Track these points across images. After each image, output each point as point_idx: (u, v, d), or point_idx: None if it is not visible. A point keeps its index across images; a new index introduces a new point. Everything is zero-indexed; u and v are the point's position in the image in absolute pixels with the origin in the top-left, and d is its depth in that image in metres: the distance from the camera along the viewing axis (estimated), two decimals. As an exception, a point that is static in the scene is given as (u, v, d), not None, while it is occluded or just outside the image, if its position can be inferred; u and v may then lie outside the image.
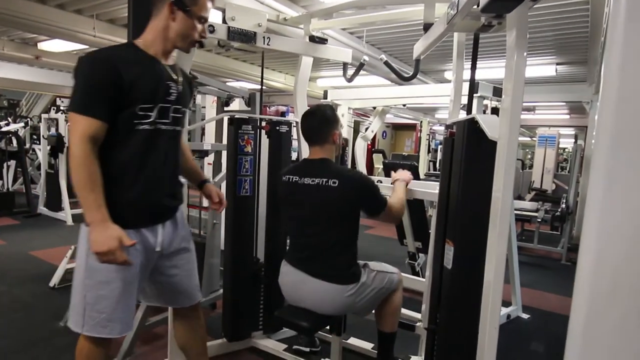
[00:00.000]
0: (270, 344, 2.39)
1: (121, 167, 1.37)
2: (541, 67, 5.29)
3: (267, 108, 9.38)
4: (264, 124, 2.35)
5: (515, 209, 4.70)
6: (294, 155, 2.88)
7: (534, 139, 11.14)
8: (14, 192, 6.40)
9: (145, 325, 2.39)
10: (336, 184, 1.71)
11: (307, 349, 2.32)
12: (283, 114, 7.94)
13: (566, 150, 14.92)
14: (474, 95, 2.04)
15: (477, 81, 2.46)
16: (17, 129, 7.44)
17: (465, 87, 1.85)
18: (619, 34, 0.63)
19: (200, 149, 2.95)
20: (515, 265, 3.16)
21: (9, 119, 8.67)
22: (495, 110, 2.83)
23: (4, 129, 6.98)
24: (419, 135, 9.66)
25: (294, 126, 2.47)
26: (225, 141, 2.47)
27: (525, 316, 3.18)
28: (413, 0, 2.26)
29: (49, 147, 5.88)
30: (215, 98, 3.73)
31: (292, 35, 2.62)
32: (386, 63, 2.26)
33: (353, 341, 2.44)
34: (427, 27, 1.83)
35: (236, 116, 2.27)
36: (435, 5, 1.90)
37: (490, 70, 5.28)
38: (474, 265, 1.40)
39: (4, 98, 9.91)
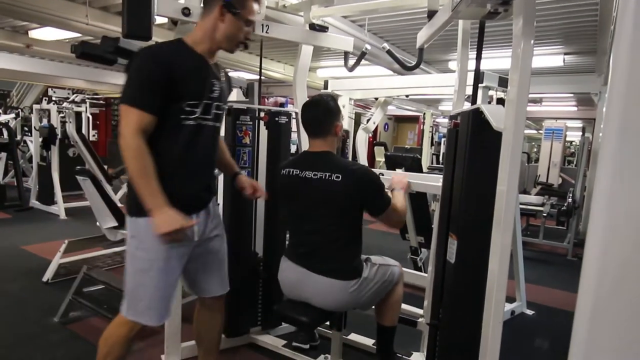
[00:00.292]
0: (269, 340, 2.41)
1: (164, 160, 1.45)
2: (548, 57, 5.27)
3: (266, 99, 9.36)
4: (262, 114, 2.35)
5: (521, 203, 4.71)
6: (292, 149, 2.88)
7: (540, 131, 11.13)
8: (5, 185, 6.40)
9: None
10: (339, 179, 1.70)
11: (307, 346, 2.34)
12: (282, 106, 7.93)
13: (573, 143, 14.92)
14: (479, 85, 2.03)
15: (483, 71, 2.46)
16: (8, 120, 7.43)
17: (470, 77, 1.85)
18: (629, 23, 0.63)
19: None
20: (520, 260, 3.17)
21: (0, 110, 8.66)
22: (500, 101, 2.83)
23: (-5, 120, 6.97)
24: (421, 127, 9.66)
25: (293, 118, 2.47)
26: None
27: (529, 312, 3.21)
28: (417, -14, 2.25)
29: (40, 139, 5.88)
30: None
31: (292, 23, 2.61)
32: (389, 52, 2.25)
33: (354, 337, 2.46)
34: (431, 14, 1.83)
35: (234, 106, 2.27)
36: (439, -8, 1.89)
37: (496, 60, 5.25)
38: (478, 260, 1.41)
39: (-6, 88, 9.89)
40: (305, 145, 2.44)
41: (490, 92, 2.83)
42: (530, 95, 1.31)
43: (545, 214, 4.94)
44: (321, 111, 1.78)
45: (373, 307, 1.98)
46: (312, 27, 2.44)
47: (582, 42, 4.78)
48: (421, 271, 3.43)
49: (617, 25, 0.67)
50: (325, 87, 3.63)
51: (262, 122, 2.35)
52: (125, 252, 1.57)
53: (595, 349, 0.68)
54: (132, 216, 1.50)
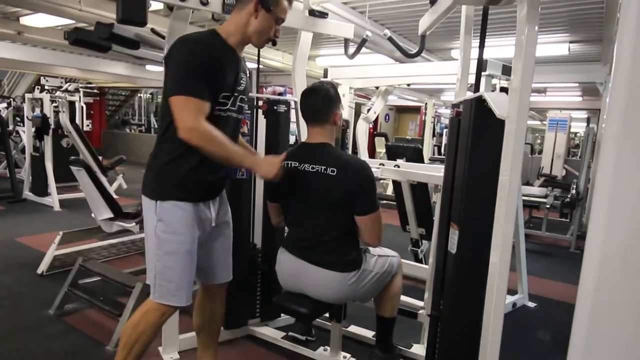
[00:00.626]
0: (267, 332, 2.43)
1: (193, 149, 1.50)
2: (553, 46, 5.25)
3: (264, 89, 9.32)
4: (261, 103, 2.34)
5: (524, 195, 4.72)
6: (291, 139, 2.87)
7: (544, 122, 11.12)
8: (-2, 176, 6.41)
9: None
10: (334, 173, 1.70)
11: (303, 337, 2.36)
12: (281, 95, 7.90)
13: (578, 134, 14.92)
14: (482, 73, 2.03)
15: (486, 59, 2.45)
16: None
17: (473, 65, 1.85)
18: (633, 10, 0.63)
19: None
20: (522, 252, 3.19)
21: (-9, 100, 8.62)
22: (504, 90, 2.82)
23: (-15, 109, 6.95)
24: (423, 118, 9.65)
25: (292, 108, 2.47)
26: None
27: (531, 305, 3.23)
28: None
29: (33, 129, 5.87)
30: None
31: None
32: (390, 39, 2.25)
33: (353, 329, 2.48)
34: (433, 0, 1.82)
35: (232, 95, 2.26)
36: (442, -23, 1.88)
37: (500, 48, 5.24)
38: (480, 250, 1.42)
39: (-15, 77, 9.84)
40: (304, 136, 2.44)
41: (494, 81, 2.83)
42: (535, 85, 1.31)
43: (548, 206, 4.96)
44: (321, 98, 1.78)
45: (372, 299, 2.00)
46: (312, 13, 2.43)
47: (587, 30, 4.76)
48: (422, 263, 3.45)
49: (621, 13, 0.67)
50: (325, 75, 3.62)
51: (260, 111, 2.35)
52: (146, 236, 1.63)
53: (596, 341, 0.69)
54: (158, 200, 1.56)
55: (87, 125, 9.34)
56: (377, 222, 1.75)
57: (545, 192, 5.20)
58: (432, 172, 2.17)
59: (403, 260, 2.08)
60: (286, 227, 1.98)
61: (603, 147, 0.67)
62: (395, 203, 3.65)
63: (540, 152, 9.13)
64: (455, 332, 1.62)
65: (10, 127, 7.70)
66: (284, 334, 2.41)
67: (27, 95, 6.26)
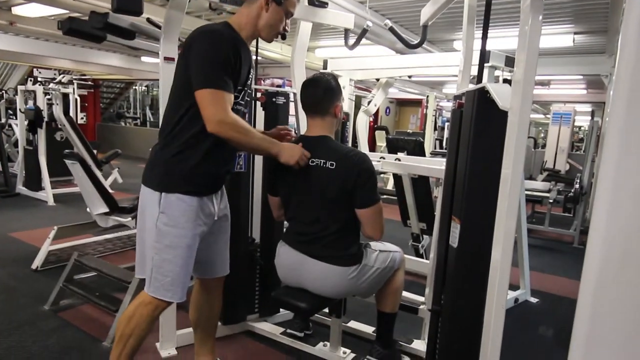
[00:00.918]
0: (266, 327, 2.45)
1: (207, 142, 1.56)
2: (558, 37, 5.24)
3: (262, 81, 9.30)
4: (259, 95, 2.34)
5: (526, 190, 4.74)
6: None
7: (547, 116, 11.12)
8: (-10, 170, 6.39)
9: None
10: (334, 167, 1.71)
11: (301, 334, 2.38)
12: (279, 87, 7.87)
13: (582, 128, 14.93)
14: (485, 65, 2.03)
15: (489, 50, 2.45)
16: (-9, 103, 7.39)
17: (476, 57, 1.85)
18: (639, 0, 0.64)
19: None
20: (524, 247, 3.21)
21: (-18, 92, 8.59)
22: (507, 82, 2.82)
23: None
24: (424, 111, 9.63)
25: (291, 100, 2.46)
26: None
27: (533, 300, 3.25)
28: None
29: (26, 122, 5.85)
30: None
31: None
32: (391, 29, 2.25)
33: (353, 324, 2.50)
34: (435, -11, 1.82)
35: (229, 87, 2.26)
36: (444, -34, 1.88)
37: (503, 40, 5.23)
38: (481, 244, 1.43)
39: (-24, 69, 9.80)
40: (303, 129, 2.44)
41: (497, 73, 2.82)
42: (538, 77, 1.32)
43: (551, 200, 4.97)
44: (322, 89, 1.78)
45: (373, 295, 2.01)
46: (311, 2, 2.42)
47: (593, 21, 4.75)
48: (423, 258, 3.46)
49: (627, 2, 0.67)
50: (325, 67, 3.61)
51: (259, 103, 2.35)
52: (142, 228, 1.64)
53: (598, 336, 0.70)
54: (162, 192, 1.57)
55: (82, 118, 9.31)
56: (378, 215, 1.75)
57: (549, 186, 5.22)
58: (434, 165, 2.18)
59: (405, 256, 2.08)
60: (285, 222, 1.98)
61: (606, 140, 0.68)
62: (395, 198, 3.66)
63: (544, 146, 9.13)
64: (457, 327, 1.63)
65: (3, 120, 7.68)
66: (282, 329, 2.43)
67: (20, 88, 6.23)
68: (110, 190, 3.44)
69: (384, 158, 2.45)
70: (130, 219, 3.20)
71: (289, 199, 1.86)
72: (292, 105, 2.48)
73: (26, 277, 3.15)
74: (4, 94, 8.16)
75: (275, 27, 1.65)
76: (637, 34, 0.64)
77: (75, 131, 5.72)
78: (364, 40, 2.68)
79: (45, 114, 5.87)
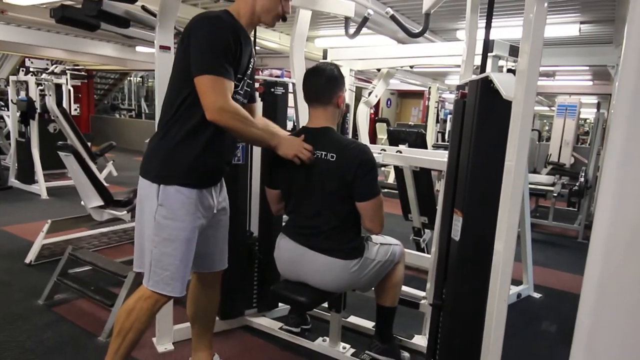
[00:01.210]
0: (264, 322, 2.46)
1: (207, 132, 1.56)
2: (563, 26, 5.22)
3: (260, 72, 9.26)
4: (257, 85, 2.34)
5: (530, 183, 4.74)
6: (289, 125, 2.86)
7: (552, 108, 11.11)
8: (-18, 163, 6.39)
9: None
10: (334, 159, 1.71)
11: (297, 329, 2.39)
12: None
13: (587, 121, 14.90)
14: (489, 54, 2.03)
15: (492, 39, 2.44)
16: (-18, 94, 7.36)
17: (479, 46, 1.84)
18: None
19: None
20: (527, 241, 3.22)
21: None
22: (511, 72, 2.82)
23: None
24: (426, 103, 9.60)
25: (290, 92, 2.46)
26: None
27: (536, 295, 3.27)
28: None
29: (18, 113, 5.84)
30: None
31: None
32: (392, 17, 2.24)
33: (353, 319, 2.51)
34: (438, -24, 1.81)
35: (227, 77, 2.26)
36: (448, -48, 1.86)
37: (507, 29, 5.22)
38: (484, 237, 1.43)
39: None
40: (303, 122, 2.44)
41: (501, 62, 2.82)
42: (543, 68, 1.32)
43: (555, 194, 4.98)
44: (324, 77, 1.78)
45: (373, 289, 2.02)
46: (311, -10, 2.41)
47: (599, 10, 4.73)
48: (424, 253, 3.48)
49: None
50: (325, 56, 3.60)
51: (257, 94, 2.34)
52: (140, 221, 1.64)
53: (601, 332, 0.70)
54: (161, 184, 1.57)
55: (75, 110, 9.29)
56: (378, 209, 1.75)
57: (553, 180, 5.22)
58: (436, 158, 2.18)
59: (405, 250, 2.09)
60: (284, 215, 1.99)
61: (611, 133, 0.68)
62: (396, 191, 3.67)
63: (548, 139, 9.13)
64: (458, 322, 1.64)
65: (-6, 112, 7.66)
66: (281, 324, 2.44)
67: (12, 78, 6.21)
68: (105, 184, 3.43)
69: (385, 150, 2.45)
70: (125, 212, 3.21)
71: (289, 192, 1.85)
72: (290, 97, 2.48)
73: (20, 272, 3.15)
74: (-5, 85, 8.14)
75: (273, 10, 1.64)
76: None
77: (69, 123, 5.70)
78: (364, 30, 2.68)
79: (37, 105, 5.86)
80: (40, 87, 5.95)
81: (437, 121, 9.02)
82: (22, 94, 5.99)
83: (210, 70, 1.47)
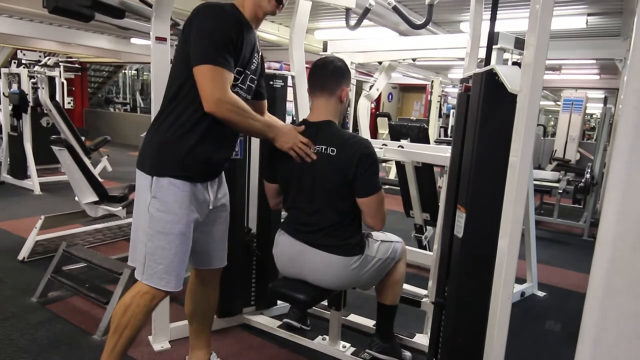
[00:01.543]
0: (263, 321, 2.47)
1: (205, 125, 1.57)
2: (570, 18, 5.20)
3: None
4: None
5: (535, 179, 4.74)
6: (287, 120, 2.86)
7: (558, 103, 11.10)
8: (-27, 158, 6.37)
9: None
10: (334, 153, 1.71)
11: (298, 325, 2.40)
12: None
13: (594, 116, 14.90)
14: (494, 47, 2.03)
15: (497, 31, 2.44)
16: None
17: (484, 38, 1.84)
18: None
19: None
20: (532, 239, 3.22)
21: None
22: (516, 65, 2.81)
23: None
24: (429, 97, 9.59)
25: (289, 85, 2.45)
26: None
27: (541, 294, 3.28)
28: None
29: (10, 107, 5.82)
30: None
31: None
32: (395, 8, 2.23)
33: (353, 318, 2.52)
34: (442, -34, 1.80)
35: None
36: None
37: (512, 21, 5.20)
38: (487, 234, 1.44)
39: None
40: (303, 115, 2.44)
41: (506, 55, 2.81)
42: (549, 62, 1.31)
43: (560, 191, 4.98)
44: (331, 68, 1.80)
45: (373, 287, 2.03)
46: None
47: (607, 2, 4.72)
48: (426, 250, 3.48)
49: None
50: (325, 49, 3.59)
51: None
52: (136, 213, 1.64)
53: (607, 331, 0.70)
54: (154, 175, 1.57)
55: (69, 103, 9.28)
56: (379, 205, 1.75)
57: (558, 176, 5.22)
58: (439, 153, 2.18)
59: (406, 247, 2.10)
60: (283, 212, 1.99)
61: (619, 128, 0.68)
62: (398, 188, 3.66)
63: (553, 134, 9.15)
64: (461, 321, 1.64)
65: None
66: (280, 322, 2.44)
67: (3, 70, 6.19)
68: (100, 179, 3.43)
69: (386, 145, 2.44)
70: (120, 208, 3.21)
71: (288, 187, 1.85)
72: (289, 90, 2.47)
73: (12, 269, 3.16)
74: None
75: None
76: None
77: (62, 117, 5.69)
78: (365, 22, 2.67)
79: (30, 98, 5.84)
80: (32, 80, 5.93)
81: (440, 116, 9.02)
82: (14, 87, 5.97)
83: (210, 60, 1.47)
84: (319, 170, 1.73)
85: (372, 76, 6.36)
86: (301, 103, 2.52)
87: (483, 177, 1.49)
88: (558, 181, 5.05)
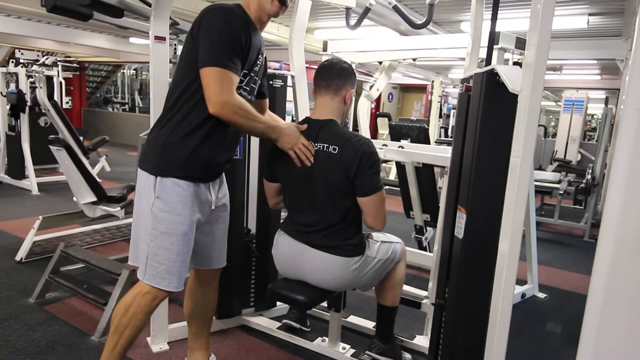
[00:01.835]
0: (262, 322, 2.47)
1: (208, 126, 1.57)
2: (571, 18, 5.21)
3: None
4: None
5: (536, 180, 4.75)
6: (287, 119, 2.86)
7: (559, 103, 11.11)
8: (-30, 157, 6.37)
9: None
10: (336, 151, 1.71)
11: (297, 326, 2.40)
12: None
13: (595, 117, 14.92)
14: (494, 46, 2.03)
15: (498, 31, 2.44)
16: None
17: (485, 38, 1.84)
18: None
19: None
20: (532, 240, 3.22)
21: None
22: (517, 65, 2.82)
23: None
24: (429, 98, 9.60)
25: (289, 85, 2.45)
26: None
27: (541, 295, 3.28)
28: None
29: (8, 106, 5.82)
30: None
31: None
32: (395, 7, 2.23)
33: (353, 319, 2.52)
34: (443, -34, 1.80)
35: (224, 69, 2.25)
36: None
37: (513, 21, 5.20)
38: (488, 235, 1.44)
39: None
40: (302, 116, 2.44)
41: (506, 55, 2.81)
42: (550, 62, 1.31)
43: (561, 192, 4.98)
44: (338, 66, 1.82)
45: (373, 288, 2.03)
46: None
47: (608, 2, 4.72)
48: (426, 251, 3.48)
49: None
50: (325, 48, 3.59)
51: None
52: (137, 214, 1.65)
53: (608, 333, 0.70)
54: (158, 176, 1.58)
55: (67, 103, 9.27)
56: (380, 204, 1.75)
57: (559, 177, 5.22)
58: (439, 153, 2.18)
59: (406, 248, 2.10)
60: (283, 212, 1.99)
61: (620, 128, 0.68)
62: (398, 188, 3.67)
63: (554, 135, 9.15)
64: (461, 323, 1.64)
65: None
66: (279, 324, 2.44)
67: (1, 70, 6.18)
68: (98, 179, 3.43)
69: (386, 145, 2.44)
70: (119, 208, 3.21)
71: (288, 186, 1.86)
72: (289, 90, 2.47)
73: (10, 269, 3.15)
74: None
75: None
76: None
77: (60, 116, 5.69)
78: (366, 22, 2.67)
79: (28, 97, 5.84)
80: (30, 80, 5.93)
81: (440, 116, 9.01)
82: (12, 87, 5.97)
83: (217, 63, 1.48)
84: (320, 168, 1.73)
85: (372, 76, 6.36)
86: (301, 103, 2.53)
87: (484, 178, 1.50)
88: (559, 182, 5.05)
